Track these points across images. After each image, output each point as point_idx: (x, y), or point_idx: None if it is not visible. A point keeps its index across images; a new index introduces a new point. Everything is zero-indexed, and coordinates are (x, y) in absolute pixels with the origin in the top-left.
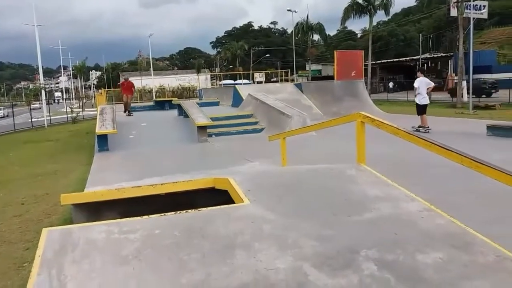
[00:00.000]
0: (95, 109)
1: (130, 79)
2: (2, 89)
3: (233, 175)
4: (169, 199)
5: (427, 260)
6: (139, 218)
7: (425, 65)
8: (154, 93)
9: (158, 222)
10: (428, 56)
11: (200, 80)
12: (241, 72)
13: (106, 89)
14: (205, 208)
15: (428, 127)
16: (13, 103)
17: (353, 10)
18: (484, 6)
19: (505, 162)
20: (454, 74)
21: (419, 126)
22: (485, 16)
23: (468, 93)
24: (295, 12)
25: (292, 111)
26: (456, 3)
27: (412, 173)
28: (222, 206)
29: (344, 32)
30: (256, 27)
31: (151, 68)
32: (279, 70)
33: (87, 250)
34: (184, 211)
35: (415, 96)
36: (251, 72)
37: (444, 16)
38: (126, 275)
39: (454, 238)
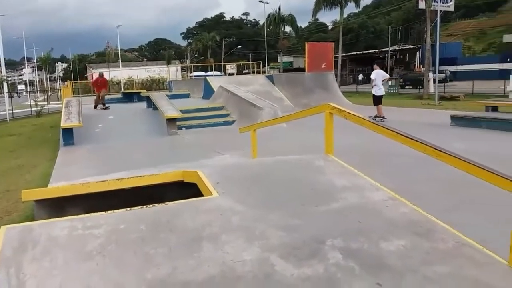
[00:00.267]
0: (61, 102)
1: (99, 71)
2: None
3: (203, 168)
4: (136, 194)
5: (391, 247)
6: (103, 213)
7: (394, 57)
8: (122, 85)
9: (124, 216)
10: (397, 48)
11: (170, 71)
12: (213, 64)
13: (73, 82)
14: (172, 202)
15: (383, 117)
16: None
17: (324, 2)
18: None
19: (467, 151)
20: (421, 66)
21: (376, 116)
22: (451, 8)
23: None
24: (267, 3)
25: (263, 103)
26: None
27: (378, 163)
28: (190, 200)
29: (315, 24)
30: (228, 18)
31: (120, 60)
32: (251, 62)
33: (48, 247)
34: (151, 205)
35: (372, 87)
36: (222, 63)
37: (413, 8)
38: (90, 271)
39: (417, 226)
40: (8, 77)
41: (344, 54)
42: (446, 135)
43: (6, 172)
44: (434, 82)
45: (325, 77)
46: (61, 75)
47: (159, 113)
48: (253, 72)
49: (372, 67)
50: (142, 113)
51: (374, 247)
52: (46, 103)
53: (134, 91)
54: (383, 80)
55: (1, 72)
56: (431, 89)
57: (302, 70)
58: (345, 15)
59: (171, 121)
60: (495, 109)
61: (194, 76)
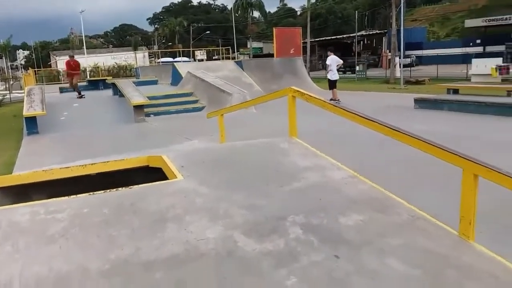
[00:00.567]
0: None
1: (63, 58)
2: None
3: (169, 153)
4: (101, 180)
5: (349, 222)
6: (66, 198)
7: (362, 42)
8: (88, 73)
9: (87, 201)
10: (364, 33)
11: (137, 58)
12: (181, 50)
13: (36, 69)
14: (136, 186)
15: (338, 100)
16: None
17: None
18: None
19: (427, 132)
20: (388, 51)
21: (331, 99)
22: None
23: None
24: None
25: (232, 88)
26: None
27: (341, 144)
28: (154, 183)
29: (284, 10)
30: (195, 3)
31: (84, 47)
32: (220, 48)
33: (10, 232)
34: (115, 189)
35: (327, 72)
36: (191, 49)
37: None
38: (52, 254)
39: (374, 202)
40: None
41: (313, 40)
42: (409, 117)
43: None
44: (400, 66)
45: (293, 63)
46: (23, 63)
47: (126, 100)
48: (223, 58)
49: (327, 53)
50: (108, 101)
51: (333, 222)
52: (7, 92)
53: (100, 78)
54: (337, 66)
55: None
56: (398, 74)
57: (272, 55)
58: (313, 0)
59: (138, 108)
60: (456, 91)
61: (162, 62)
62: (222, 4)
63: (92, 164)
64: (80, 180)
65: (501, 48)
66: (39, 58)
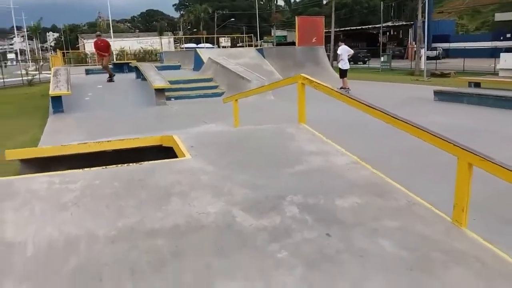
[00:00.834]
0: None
1: (90, 41)
2: None
3: (181, 135)
4: (118, 157)
5: (345, 204)
6: (81, 170)
7: (388, 33)
8: (114, 56)
9: (99, 174)
10: (390, 24)
11: (163, 43)
12: (205, 36)
13: (64, 51)
14: (146, 162)
15: (348, 88)
16: None
17: None
18: None
19: (443, 124)
20: (414, 43)
21: (341, 88)
22: None
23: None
24: None
25: (251, 75)
26: None
27: (350, 132)
28: (163, 160)
29: None
30: None
31: (111, 31)
32: (244, 35)
33: (28, 198)
34: (126, 165)
35: (338, 62)
36: (215, 36)
37: None
38: (64, 220)
39: (374, 187)
40: None
41: (338, 30)
42: (428, 108)
43: None
44: (424, 58)
45: (315, 52)
46: (52, 44)
47: (148, 84)
48: (248, 46)
49: (338, 43)
50: (131, 84)
51: (330, 203)
52: (37, 72)
53: (125, 61)
54: (348, 55)
55: None
56: (423, 66)
57: (295, 44)
58: None
59: (159, 91)
60: (477, 85)
61: (186, 48)
62: None
63: (108, 141)
64: (97, 156)
65: None
66: (68, 40)
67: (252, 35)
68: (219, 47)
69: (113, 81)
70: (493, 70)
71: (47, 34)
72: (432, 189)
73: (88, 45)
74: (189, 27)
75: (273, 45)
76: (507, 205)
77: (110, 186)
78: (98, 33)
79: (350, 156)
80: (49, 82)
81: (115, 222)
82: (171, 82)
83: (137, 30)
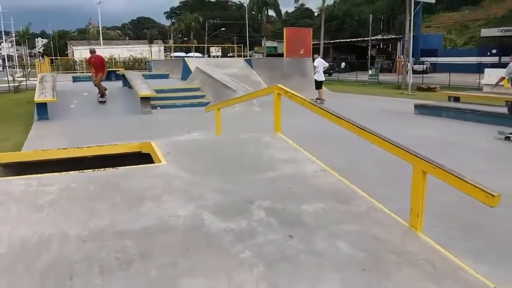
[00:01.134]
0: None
1: (80, 48)
2: None
3: (159, 142)
4: (97, 163)
5: (310, 209)
6: (58, 173)
7: (377, 46)
8: None
9: (76, 177)
10: (379, 37)
11: (152, 51)
12: (196, 45)
13: (53, 58)
14: (122, 167)
15: (323, 99)
16: None
17: None
18: None
19: (420, 137)
20: (402, 56)
21: (317, 99)
22: (432, 0)
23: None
24: None
25: (238, 86)
26: None
27: (327, 143)
28: (138, 166)
29: (301, 10)
30: None
31: (101, 38)
32: (235, 45)
33: (4, 200)
34: (102, 169)
35: (314, 73)
36: (206, 45)
37: None
38: (39, 220)
39: (339, 193)
40: None
41: (327, 42)
42: (406, 121)
43: None
44: (409, 72)
45: (302, 64)
46: (41, 51)
47: (134, 92)
48: (238, 56)
49: (313, 57)
50: (118, 91)
51: (296, 208)
52: (25, 78)
53: (112, 69)
54: (323, 68)
55: None
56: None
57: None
58: (330, 2)
59: (145, 100)
60: (457, 99)
61: (175, 56)
62: (239, 1)
63: (88, 147)
64: (77, 162)
65: None
66: (57, 47)
67: (242, 45)
68: (209, 56)
69: (105, 102)
70: (478, 85)
71: (36, 40)
72: (396, 197)
73: (77, 52)
74: (179, 35)
75: (263, 55)
76: (465, 213)
77: (85, 189)
78: (92, 48)
79: (320, 164)
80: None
81: (87, 223)
82: (158, 91)
83: (127, 38)
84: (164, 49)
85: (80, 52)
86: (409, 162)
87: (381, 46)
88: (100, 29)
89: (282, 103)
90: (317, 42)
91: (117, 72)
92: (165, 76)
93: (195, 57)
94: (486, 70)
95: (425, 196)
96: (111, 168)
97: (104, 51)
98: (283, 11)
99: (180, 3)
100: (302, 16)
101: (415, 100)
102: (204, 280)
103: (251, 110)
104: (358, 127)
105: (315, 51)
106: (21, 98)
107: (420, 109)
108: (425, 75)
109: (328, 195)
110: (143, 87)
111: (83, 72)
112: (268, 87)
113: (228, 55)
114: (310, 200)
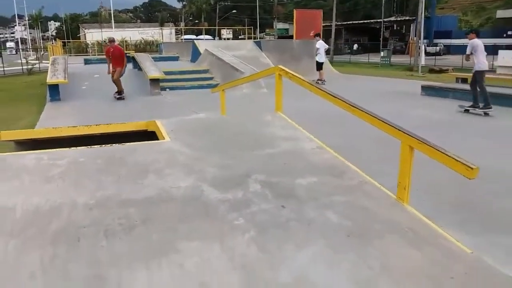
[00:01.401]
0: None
1: (92, 31)
2: None
3: (164, 120)
4: (105, 140)
5: (304, 183)
6: (67, 149)
7: (391, 27)
8: None
9: (84, 152)
10: (393, 19)
11: (164, 34)
12: (206, 28)
13: (66, 41)
14: (128, 143)
15: (324, 80)
16: None
17: None
18: None
19: (425, 117)
20: (415, 38)
21: (318, 79)
22: None
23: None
24: None
25: (246, 67)
26: None
27: (327, 122)
28: (143, 142)
29: None
30: None
31: (112, 21)
32: (246, 27)
33: (18, 172)
34: (109, 145)
35: (316, 55)
36: (216, 28)
37: None
38: (50, 190)
39: (333, 169)
40: None
41: (340, 23)
42: (412, 102)
43: None
44: (421, 53)
45: (313, 46)
46: (54, 34)
47: (143, 74)
48: (248, 38)
49: (315, 38)
50: (128, 73)
51: (290, 181)
52: (38, 61)
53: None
54: (324, 49)
55: None
56: (422, 61)
57: None
58: None
59: (154, 81)
60: (464, 81)
61: (185, 39)
62: None
63: (96, 125)
64: (86, 139)
65: None
66: (69, 30)
67: (252, 27)
68: (220, 39)
69: (123, 98)
70: (491, 67)
71: (49, 23)
72: (389, 173)
73: (89, 35)
74: (191, 18)
75: (274, 38)
76: (457, 190)
77: (93, 163)
78: (111, 37)
79: (317, 142)
80: None
81: (94, 193)
82: (167, 73)
83: (139, 20)
84: (175, 32)
85: (92, 35)
86: (397, 138)
87: (395, 28)
88: (112, 12)
89: (289, 87)
90: (329, 24)
91: (127, 55)
92: (175, 59)
93: (205, 39)
94: (500, 52)
95: (414, 171)
96: (117, 144)
97: (116, 34)
98: None
99: None
100: None
101: (424, 82)
102: (200, 243)
103: (258, 92)
104: (351, 105)
105: (327, 32)
106: (34, 80)
107: (427, 90)
108: (438, 57)
109: (322, 170)
110: (152, 69)
111: (95, 55)
112: (271, 67)
113: (240, 37)
114: (305, 174)
